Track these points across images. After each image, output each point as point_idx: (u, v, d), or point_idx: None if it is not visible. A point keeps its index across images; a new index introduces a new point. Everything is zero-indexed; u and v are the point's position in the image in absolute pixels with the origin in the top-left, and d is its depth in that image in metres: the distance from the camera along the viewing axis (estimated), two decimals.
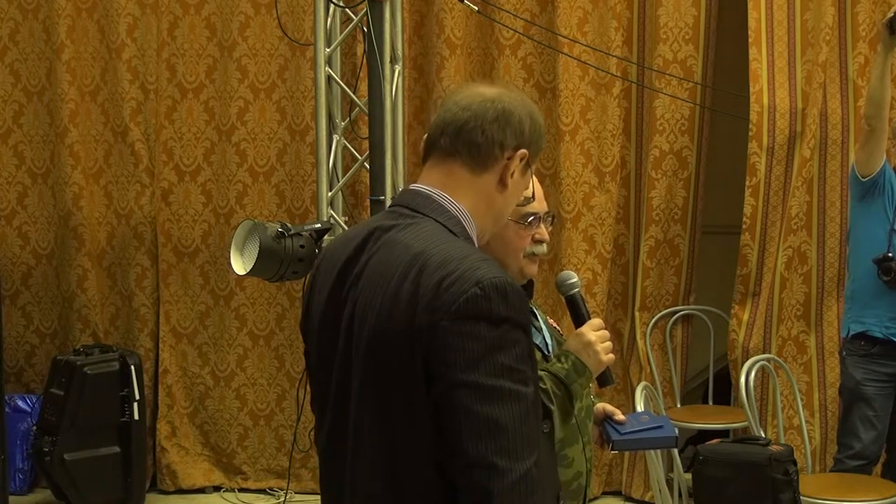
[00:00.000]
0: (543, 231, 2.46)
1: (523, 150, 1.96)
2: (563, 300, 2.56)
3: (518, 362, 1.76)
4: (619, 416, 2.59)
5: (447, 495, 1.77)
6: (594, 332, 2.44)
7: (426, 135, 2.00)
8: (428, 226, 1.90)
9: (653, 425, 2.60)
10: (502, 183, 1.96)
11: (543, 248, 2.47)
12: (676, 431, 2.65)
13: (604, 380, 2.48)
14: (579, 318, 2.49)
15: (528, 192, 2.35)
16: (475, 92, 1.97)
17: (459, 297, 1.75)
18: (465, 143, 1.93)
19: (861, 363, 4.45)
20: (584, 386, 2.42)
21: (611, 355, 2.45)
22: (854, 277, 4.55)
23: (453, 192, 1.93)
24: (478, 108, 1.93)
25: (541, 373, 2.35)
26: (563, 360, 2.42)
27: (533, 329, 2.48)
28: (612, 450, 2.62)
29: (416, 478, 1.81)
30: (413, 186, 1.98)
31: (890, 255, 4.34)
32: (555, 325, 2.63)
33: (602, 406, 2.62)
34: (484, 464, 1.72)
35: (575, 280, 2.53)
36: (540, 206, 2.45)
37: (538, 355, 2.44)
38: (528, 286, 2.53)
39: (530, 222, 2.42)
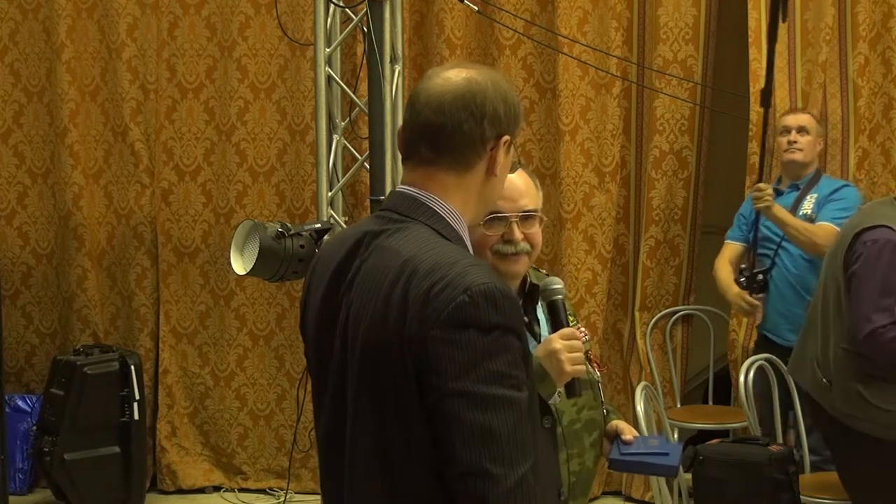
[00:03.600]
0: (514, 230, 2.39)
1: (505, 137, 1.92)
2: (545, 306, 2.52)
3: (510, 368, 1.75)
4: (626, 437, 2.53)
5: (445, 503, 1.76)
6: (562, 340, 2.35)
7: (401, 135, 1.95)
8: (417, 230, 1.87)
9: (657, 451, 2.53)
10: (490, 173, 1.93)
11: (518, 246, 2.40)
12: (679, 462, 2.58)
13: (570, 390, 2.37)
14: (557, 325, 2.43)
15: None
16: (444, 88, 1.90)
17: (448, 304, 1.74)
18: (446, 149, 1.89)
19: (753, 349, 4.88)
20: (544, 391, 2.32)
21: (578, 366, 2.34)
22: None
23: (441, 194, 1.91)
24: (450, 107, 1.88)
25: None
26: None
27: (529, 334, 2.45)
28: (609, 468, 2.58)
29: (412, 485, 1.80)
30: (400, 189, 1.95)
31: (743, 266, 4.77)
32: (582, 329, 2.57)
33: (615, 424, 2.57)
34: (479, 471, 1.71)
35: (559, 287, 2.46)
36: (508, 206, 2.38)
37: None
38: (534, 290, 2.50)
39: (487, 221, 2.35)
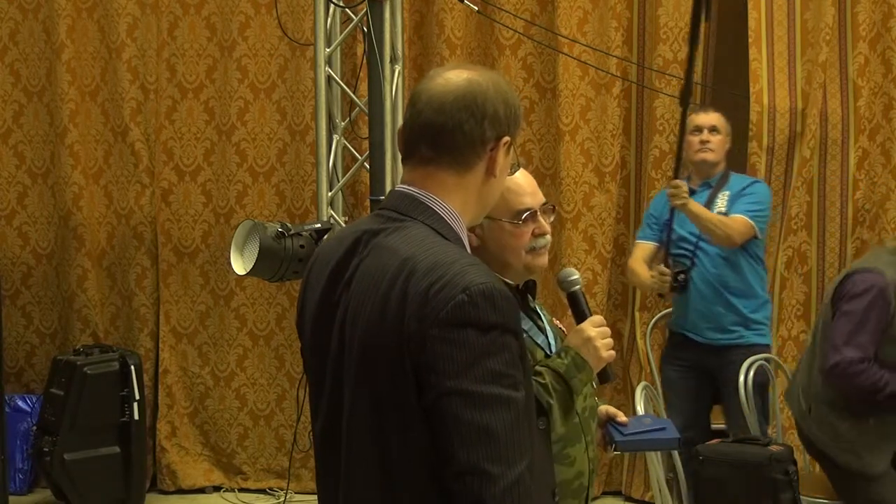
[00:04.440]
0: (543, 224, 2.44)
1: (506, 138, 1.93)
2: (565, 297, 2.55)
3: (508, 367, 1.75)
4: (622, 418, 2.60)
5: (442, 502, 1.76)
6: (595, 328, 2.44)
7: (401, 134, 1.96)
8: (416, 229, 1.87)
9: (655, 427, 2.61)
10: (489, 173, 1.94)
11: (546, 239, 2.45)
12: (678, 433, 2.66)
13: (604, 376, 2.49)
14: (580, 315, 2.49)
15: (519, 188, 2.36)
16: (445, 88, 1.90)
17: (447, 303, 1.73)
18: (446, 148, 1.90)
19: (666, 350, 5.02)
20: (584, 381, 2.41)
21: (611, 352, 2.45)
22: None
23: (440, 193, 1.91)
24: (451, 108, 1.88)
25: (540, 368, 2.35)
26: (562, 355, 2.41)
27: (536, 328, 2.48)
28: (615, 451, 2.63)
29: (409, 483, 1.79)
30: (399, 188, 1.95)
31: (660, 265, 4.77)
32: (560, 325, 2.62)
33: (605, 408, 2.63)
34: (476, 471, 1.71)
35: (576, 277, 2.53)
36: (533, 200, 2.42)
37: (540, 354, 2.44)
38: (532, 286, 2.52)
39: (525, 219, 2.40)
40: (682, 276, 4.68)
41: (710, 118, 4.78)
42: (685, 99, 4.61)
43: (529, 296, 2.52)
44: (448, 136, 1.89)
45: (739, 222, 4.60)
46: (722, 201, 4.70)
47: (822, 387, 3.99)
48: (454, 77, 1.92)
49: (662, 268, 4.69)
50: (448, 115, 1.88)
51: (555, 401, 2.34)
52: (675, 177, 4.73)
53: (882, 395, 3.86)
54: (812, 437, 4.04)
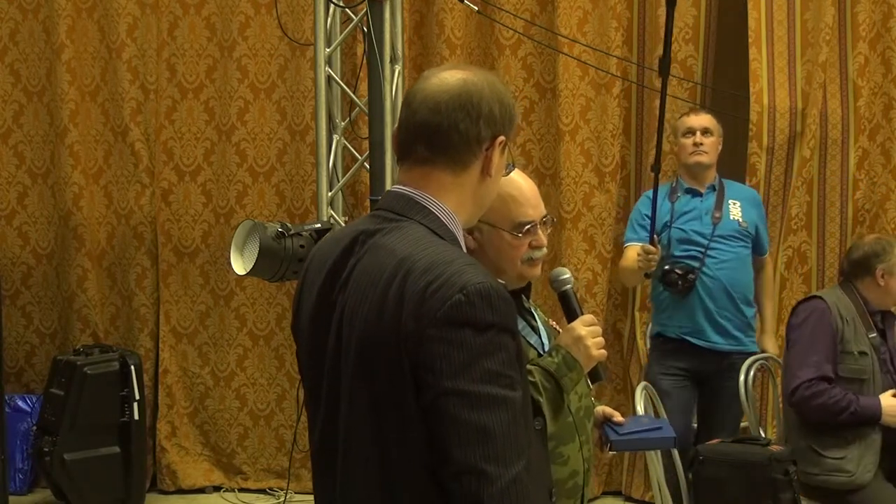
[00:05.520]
0: (541, 237, 2.44)
1: (501, 137, 1.93)
2: (557, 296, 2.55)
3: (505, 367, 1.75)
4: (619, 418, 2.60)
5: (441, 501, 1.76)
6: (585, 327, 2.44)
7: (397, 134, 1.96)
8: (412, 229, 1.87)
9: (652, 427, 2.62)
10: (485, 173, 1.94)
11: (542, 251, 2.45)
12: (674, 433, 2.66)
13: (595, 375, 2.48)
14: (571, 314, 2.49)
15: (524, 199, 2.36)
16: (440, 88, 1.91)
17: (444, 303, 1.73)
18: (442, 148, 1.90)
19: (658, 359, 4.76)
20: (574, 380, 2.41)
21: (602, 351, 2.45)
22: (653, 285, 4.84)
23: (436, 193, 1.91)
24: (447, 107, 1.89)
25: (531, 367, 2.35)
26: (553, 354, 2.42)
27: (529, 328, 2.48)
28: (611, 450, 2.63)
29: (407, 483, 1.79)
30: (395, 188, 1.95)
31: (667, 268, 4.62)
32: (556, 326, 2.61)
33: (602, 409, 2.64)
34: (473, 471, 1.71)
35: (567, 276, 2.52)
36: (535, 212, 2.42)
37: (533, 354, 2.44)
38: (526, 287, 2.52)
39: (526, 231, 2.40)
40: (691, 276, 4.57)
41: (701, 120, 4.73)
42: (664, 69, 4.49)
43: (524, 296, 2.52)
44: (444, 136, 1.89)
45: (771, 266, 4.91)
46: (736, 211, 4.66)
47: (794, 420, 4.10)
48: (449, 77, 1.92)
49: (648, 246, 4.52)
50: (444, 115, 1.89)
51: (544, 399, 2.34)
52: (657, 163, 4.63)
53: (845, 415, 3.96)
54: (805, 477, 4.06)
